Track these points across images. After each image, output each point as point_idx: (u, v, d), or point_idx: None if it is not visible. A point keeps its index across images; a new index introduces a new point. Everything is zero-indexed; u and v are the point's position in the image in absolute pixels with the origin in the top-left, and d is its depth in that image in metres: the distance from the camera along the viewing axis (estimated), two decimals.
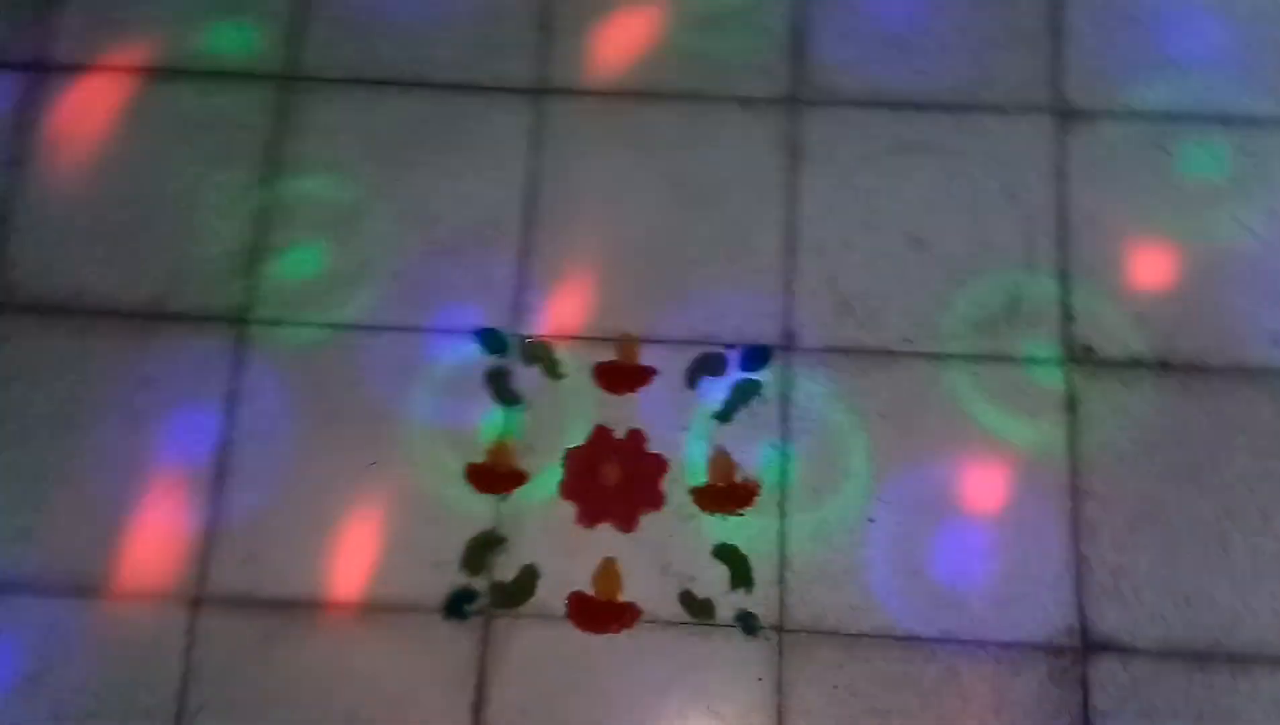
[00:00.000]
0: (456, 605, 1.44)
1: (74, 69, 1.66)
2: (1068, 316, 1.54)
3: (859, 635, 1.42)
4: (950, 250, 1.57)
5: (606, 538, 1.47)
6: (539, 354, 1.53)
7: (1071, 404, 1.50)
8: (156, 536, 1.47)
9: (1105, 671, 1.40)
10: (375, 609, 1.44)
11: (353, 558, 1.46)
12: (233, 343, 1.54)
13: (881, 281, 1.56)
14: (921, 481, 1.47)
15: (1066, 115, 1.62)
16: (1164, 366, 1.51)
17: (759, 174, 1.61)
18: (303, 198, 1.61)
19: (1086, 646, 1.41)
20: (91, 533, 1.48)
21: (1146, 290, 1.54)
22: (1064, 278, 1.55)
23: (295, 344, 1.54)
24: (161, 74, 1.66)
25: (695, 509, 1.48)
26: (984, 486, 1.47)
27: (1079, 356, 1.52)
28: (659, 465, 1.49)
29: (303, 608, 1.44)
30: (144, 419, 1.52)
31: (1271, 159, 1.60)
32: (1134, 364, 1.51)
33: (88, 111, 1.64)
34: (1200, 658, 1.40)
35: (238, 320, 1.55)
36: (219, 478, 1.49)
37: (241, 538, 1.47)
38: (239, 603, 1.45)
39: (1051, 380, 1.51)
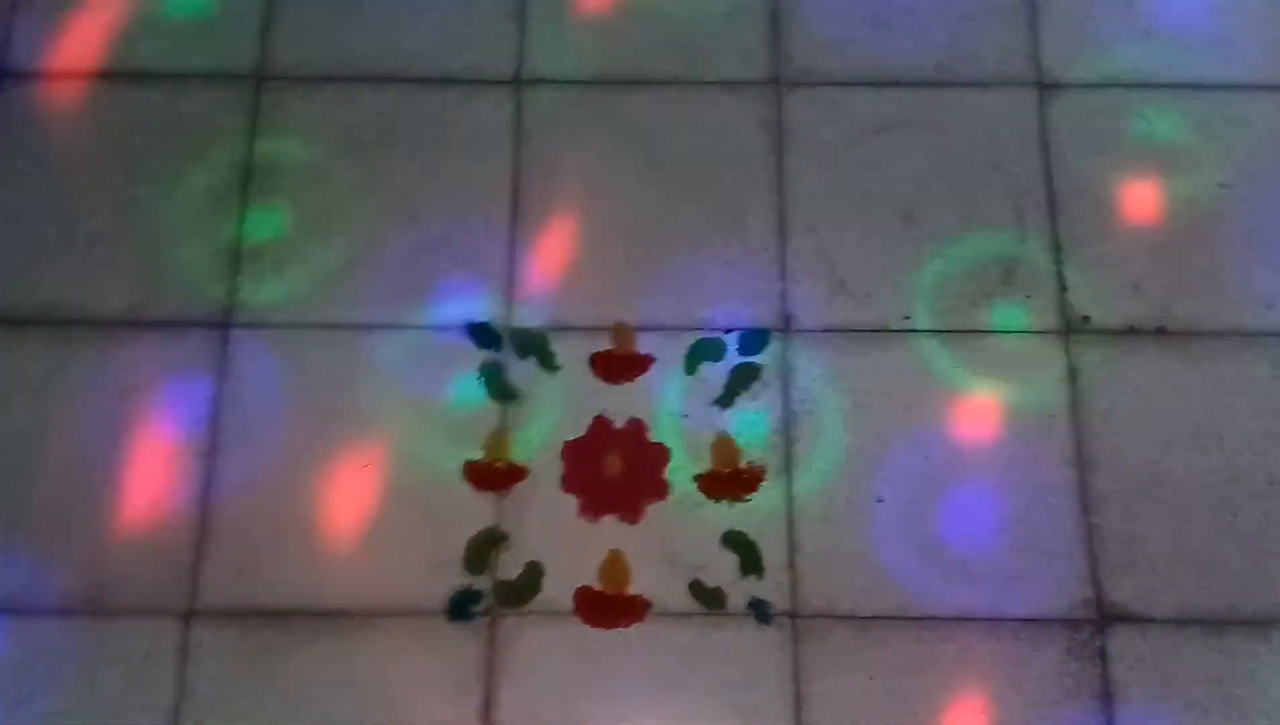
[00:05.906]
0: (461, 606, 1.39)
1: (33, 75, 1.62)
2: (1062, 286, 1.53)
3: (874, 618, 1.39)
4: (941, 224, 1.56)
5: (612, 530, 1.43)
6: (533, 346, 1.50)
7: (1072, 374, 1.49)
8: (145, 550, 1.42)
9: (1124, 642, 1.38)
10: (376, 614, 1.39)
11: (351, 563, 1.41)
12: (216, 348, 1.50)
13: (875, 259, 1.54)
14: (927, 459, 1.45)
15: (1046, 87, 1.63)
16: (1161, 332, 1.50)
17: (745, 157, 1.59)
18: (282, 198, 1.57)
19: (1104, 618, 1.39)
20: (75, 549, 1.42)
21: (1137, 257, 1.54)
22: (1056, 248, 1.55)
23: (281, 347, 1.50)
24: (126, 78, 1.62)
25: (700, 497, 1.44)
26: (991, 461, 1.45)
27: (1076, 326, 1.51)
28: (661, 454, 1.46)
29: (300, 617, 1.38)
30: (124, 430, 1.46)
31: (1249, 123, 1.61)
32: (1131, 331, 1.51)
33: (49, 118, 1.60)
34: (1218, 624, 1.38)
35: (220, 325, 1.51)
36: (207, 487, 1.44)
37: (233, 549, 1.41)
38: (233, 614, 1.39)
39: (1051, 351, 1.50)
